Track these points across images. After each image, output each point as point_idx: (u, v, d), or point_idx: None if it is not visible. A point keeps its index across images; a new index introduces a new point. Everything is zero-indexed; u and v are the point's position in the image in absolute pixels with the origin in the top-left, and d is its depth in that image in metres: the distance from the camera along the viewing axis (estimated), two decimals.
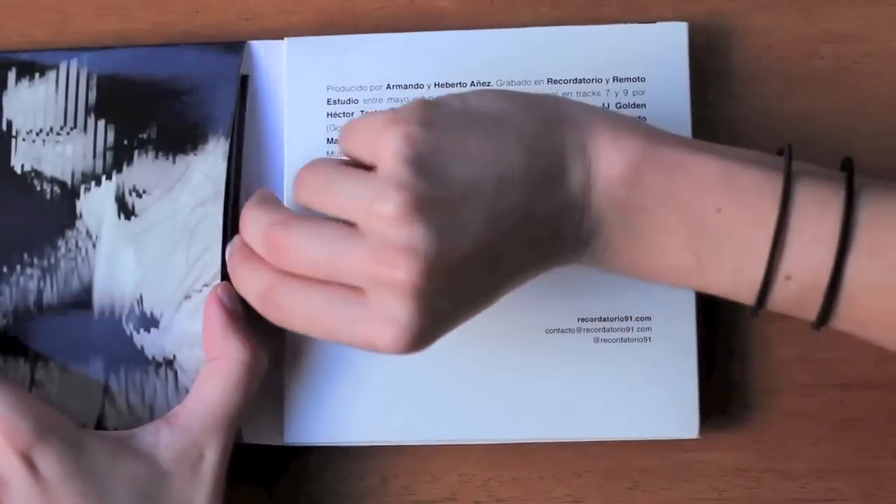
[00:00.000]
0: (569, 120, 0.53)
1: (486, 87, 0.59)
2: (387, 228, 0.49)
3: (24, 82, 0.61)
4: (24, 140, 0.61)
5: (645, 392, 0.60)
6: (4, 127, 0.61)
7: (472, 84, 0.61)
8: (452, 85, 0.61)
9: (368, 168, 0.52)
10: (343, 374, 0.60)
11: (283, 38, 0.62)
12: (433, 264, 0.49)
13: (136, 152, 0.61)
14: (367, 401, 0.60)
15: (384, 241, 0.50)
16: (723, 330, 0.62)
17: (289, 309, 0.53)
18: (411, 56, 0.62)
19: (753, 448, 0.62)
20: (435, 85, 0.62)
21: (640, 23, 0.62)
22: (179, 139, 0.61)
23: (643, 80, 0.61)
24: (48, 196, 0.61)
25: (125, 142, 0.61)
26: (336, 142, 0.61)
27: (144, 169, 0.61)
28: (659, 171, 0.52)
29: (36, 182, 0.61)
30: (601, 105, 0.61)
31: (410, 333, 0.50)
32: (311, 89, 0.62)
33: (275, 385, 0.61)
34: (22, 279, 0.60)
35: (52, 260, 0.60)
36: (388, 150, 0.50)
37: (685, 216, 0.52)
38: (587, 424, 0.60)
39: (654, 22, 0.62)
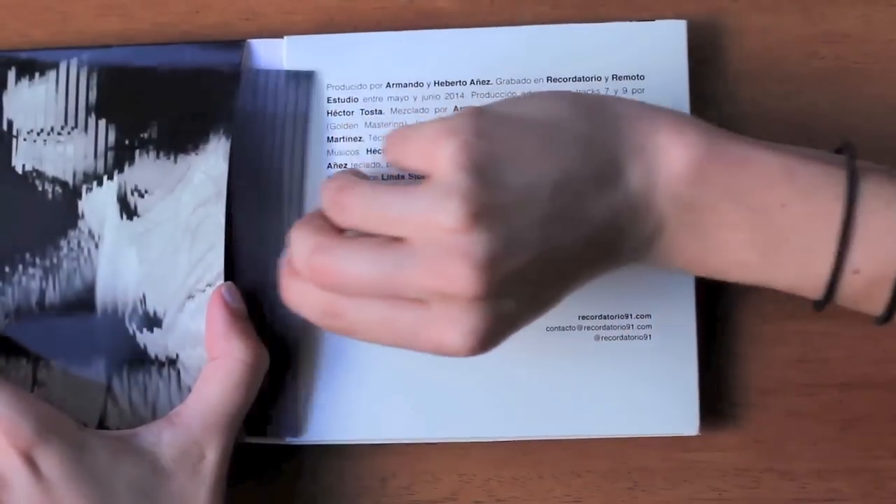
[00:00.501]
0: (625, 118, 0.53)
1: (540, 91, 0.59)
2: (445, 238, 0.50)
3: (24, 82, 0.62)
4: (24, 140, 0.62)
5: (645, 389, 0.60)
6: (5, 127, 0.62)
7: (472, 82, 0.62)
8: (452, 83, 0.62)
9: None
10: (344, 372, 0.61)
11: (282, 38, 0.63)
12: (493, 272, 0.50)
13: (137, 152, 0.61)
14: (368, 399, 0.61)
15: (441, 252, 0.50)
16: (723, 329, 0.63)
17: (350, 322, 0.52)
18: (411, 54, 0.62)
19: (753, 448, 0.62)
20: (435, 83, 0.62)
21: (639, 20, 0.62)
22: (180, 139, 0.61)
23: (642, 77, 0.61)
24: (50, 196, 0.61)
25: (126, 141, 0.61)
26: (380, 150, 0.61)
27: (146, 169, 0.61)
28: (723, 166, 0.52)
29: (37, 182, 0.61)
30: None
31: (477, 337, 0.51)
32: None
33: (274, 385, 0.61)
34: (24, 279, 0.61)
35: (55, 260, 0.61)
36: (444, 159, 0.50)
37: (750, 212, 0.52)
38: (588, 422, 0.61)
39: (653, 20, 0.62)
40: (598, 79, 0.62)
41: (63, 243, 0.61)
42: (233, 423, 0.57)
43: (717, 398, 0.62)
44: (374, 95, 0.62)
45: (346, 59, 0.62)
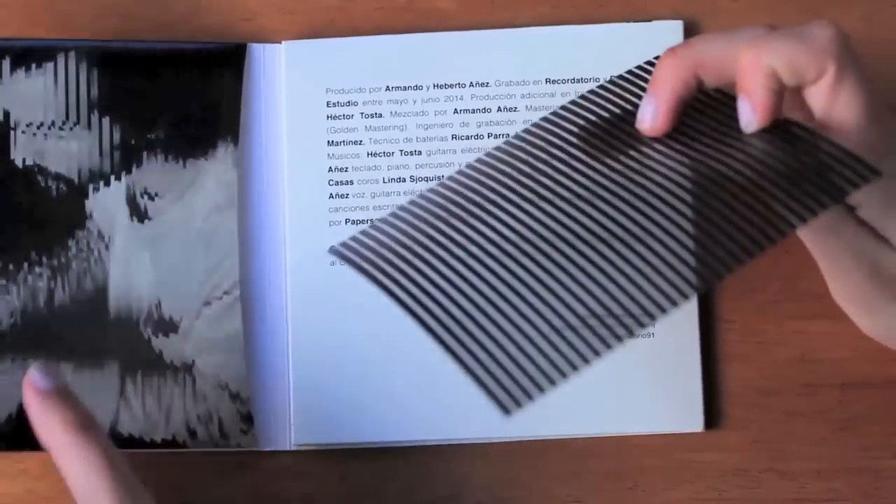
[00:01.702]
0: None
1: None
2: None
3: (20, 73, 0.62)
4: (23, 133, 0.62)
5: (649, 387, 0.62)
6: (1, 117, 0.62)
7: (472, 85, 0.63)
8: (451, 86, 0.63)
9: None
10: (344, 376, 0.62)
11: (282, 40, 0.64)
12: None
13: (144, 154, 0.62)
14: (368, 402, 0.62)
15: None
16: (723, 329, 0.64)
17: None
18: (410, 57, 0.63)
19: (753, 448, 0.63)
20: (434, 86, 0.63)
21: (636, 22, 0.63)
22: (188, 143, 0.62)
23: None
24: (54, 193, 0.62)
25: (132, 142, 0.62)
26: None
27: (154, 171, 0.62)
28: None
29: (39, 178, 0.62)
30: None
31: None
32: (311, 92, 0.63)
33: (281, 390, 0.62)
34: (30, 278, 0.61)
35: (63, 259, 0.61)
36: None
37: None
38: (593, 420, 0.62)
39: (650, 21, 0.63)
40: (597, 80, 0.63)
41: (71, 243, 0.61)
42: None
43: (717, 398, 0.63)
44: (374, 99, 0.63)
45: (344, 63, 0.63)
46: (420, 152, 0.63)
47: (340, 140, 0.63)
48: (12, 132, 0.62)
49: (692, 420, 0.62)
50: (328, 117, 0.63)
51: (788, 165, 0.52)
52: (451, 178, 0.56)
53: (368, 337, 0.62)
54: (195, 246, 0.62)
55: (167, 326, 0.61)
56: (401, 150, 0.63)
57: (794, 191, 0.52)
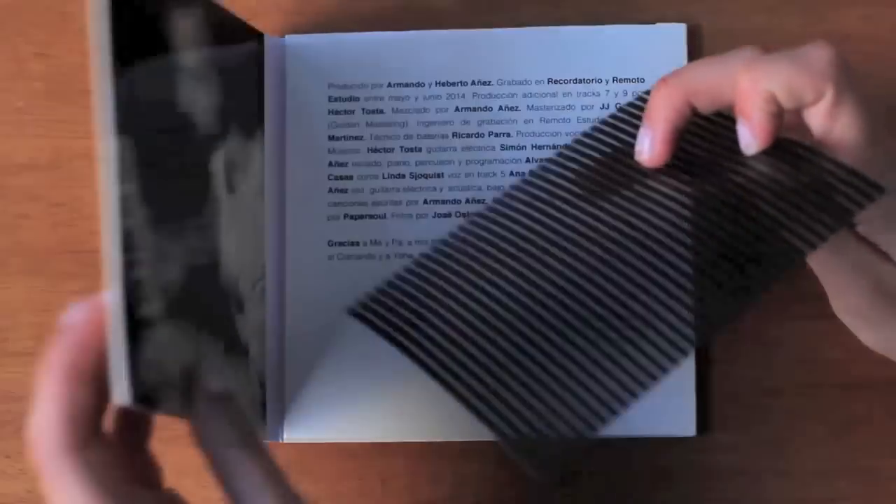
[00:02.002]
0: None
1: None
2: None
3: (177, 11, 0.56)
4: (184, 76, 0.55)
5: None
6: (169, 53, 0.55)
7: (473, 83, 0.63)
8: (453, 84, 0.63)
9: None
10: (345, 372, 0.62)
11: (283, 37, 0.64)
12: None
13: (230, 125, 0.59)
14: (367, 399, 0.62)
15: None
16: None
17: None
18: (413, 54, 0.64)
19: (753, 448, 0.64)
20: (436, 84, 0.64)
21: (640, 23, 0.63)
22: (244, 120, 0.60)
23: (643, 80, 0.63)
24: (195, 147, 0.56)
25: (222, 109, 0.58)
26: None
27: (233, 143, 0.59)
28: None
29: (189, 130, 0.56)
30: (600, 105, 0.63)
31: None
32: (313, 87, 0.64)
33: (276, 383, 0.62)
34: (189, 234, 0.54)
35: (204, 220, 0.56)
36: None
37: None
38: None
39: (654, 23, 0.63)
40: (599, 81, 0.63)
41: (205, 207, 0.56)
42: None
43: (717, 398, 0.64)
44: (376, 95, 0.63)
45: (347, 59, 0.64)
46: (420, 149, 0.64)
47: (341, 135, 0.64)
48: (177, 74, 0.54)
49: (685, 425, 0.62)
50: (329, 112, 0.64)
51: (791, 187, 0.53)
52: (454, 234, 0.57)
53: (367, 332, 0.62)
54: (250, 226, 0.61)
55: (240, 305, 0.59)
56: (401, 147, 0.64)
57: (801, 216, 0.52)
